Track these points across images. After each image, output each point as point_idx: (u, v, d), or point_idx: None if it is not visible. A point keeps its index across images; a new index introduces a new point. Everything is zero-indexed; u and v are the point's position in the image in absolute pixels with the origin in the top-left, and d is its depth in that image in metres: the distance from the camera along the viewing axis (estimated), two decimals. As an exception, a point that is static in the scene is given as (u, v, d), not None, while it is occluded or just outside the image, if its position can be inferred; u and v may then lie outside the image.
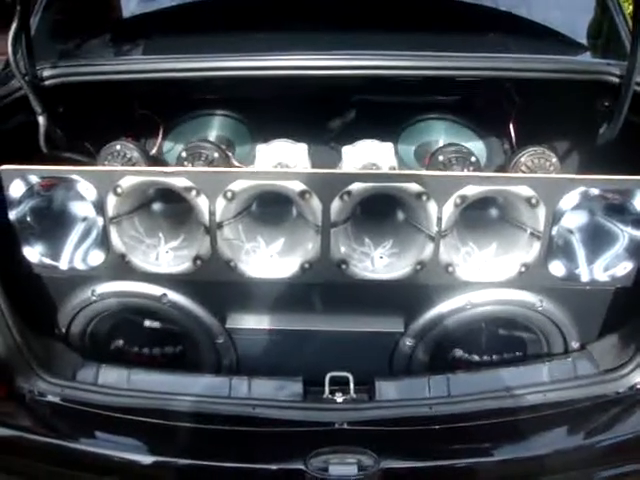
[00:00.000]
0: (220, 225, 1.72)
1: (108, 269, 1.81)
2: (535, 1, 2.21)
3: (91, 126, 2.04)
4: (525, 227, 1.74)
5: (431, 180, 1.67)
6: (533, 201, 1.67)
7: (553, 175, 1.84)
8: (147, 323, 1.98)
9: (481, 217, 1.85)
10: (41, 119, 1.80)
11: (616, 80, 1.80)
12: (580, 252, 1.78)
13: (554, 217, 1.69)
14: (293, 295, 1.84)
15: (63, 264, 1.81)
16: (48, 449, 1.69)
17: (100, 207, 1.72)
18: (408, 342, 1.88)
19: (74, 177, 1.70)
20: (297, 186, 1.67)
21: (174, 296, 1.86)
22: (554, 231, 1.71)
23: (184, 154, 1.95)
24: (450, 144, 2.00)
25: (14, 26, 1.71)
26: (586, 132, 1.93)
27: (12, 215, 1.74)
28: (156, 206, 1.89)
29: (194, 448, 1.68)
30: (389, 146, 1.94)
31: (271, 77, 1.84)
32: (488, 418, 1.69)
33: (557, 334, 1.88)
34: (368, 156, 1.90)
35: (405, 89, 2.10)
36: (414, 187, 1.66)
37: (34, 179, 1.71)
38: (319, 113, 2.11)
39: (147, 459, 1.69)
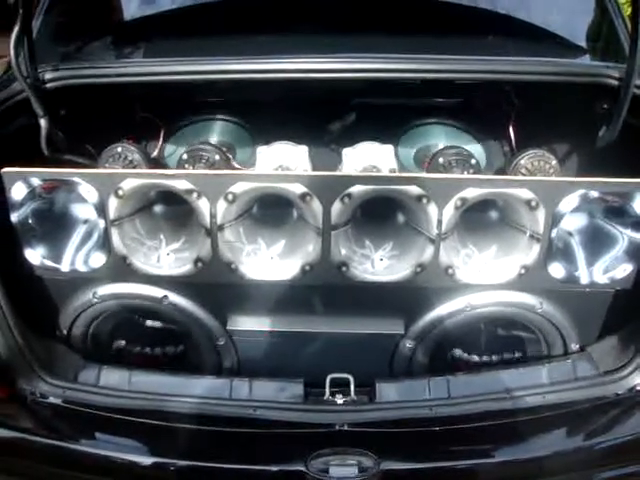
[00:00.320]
0: (221, 227, 1.73)
1: (109, 271, 1.81)
2: (534, 4, 2.21)
3: (92, 129, 2.04)
4: (525, 229, 1.75)
5: (431, 183, 1.68)
6: (533, 203, 1.68)
7: (553, 178, 1.85)
8: (148, 325, 1.98)
9: (481, 219, 1.85)
10: (43, 122, 1.81)
11: (615, 83, 1.80)
12: (580, 254, 1.79)
13: (554, 219, 1.70)
14: (294, 297, 1.84)
15: (65, 266, 1.81)
16: (50, 451, 1.70)
17: (101, 209, 1.73)
18: (408, 344, 1.89)
19: (76, 179, 1.71)
20: (298, 188, 1.68)
21: (175, 298, 1.86)
22: (554, 233, 1.72)
23: (185, 156, 1.96)
24: (450, 147, 2.01)
25: (16, 29, 1.72)
26: (585, 135, 1.94)
27: (14, 217, 1.74)
28: (157, 208, 1.90)
29: (195, 449, 1.68)
30: (389, 148, 1.95)
31: (272, 80, 1.85)
32: (488, 420, 1.70)
33: (557, 336, 1.89)
34: (368, 158, 1.91)
35: (405, 92, 2.11)
36: (414, 190, 1.67)
37: (36, 181, 1.72)
38: (320, 115, 2.12)
39: (148, 460, 1.69)
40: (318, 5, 2.06)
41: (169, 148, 2.18)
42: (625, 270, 1.76)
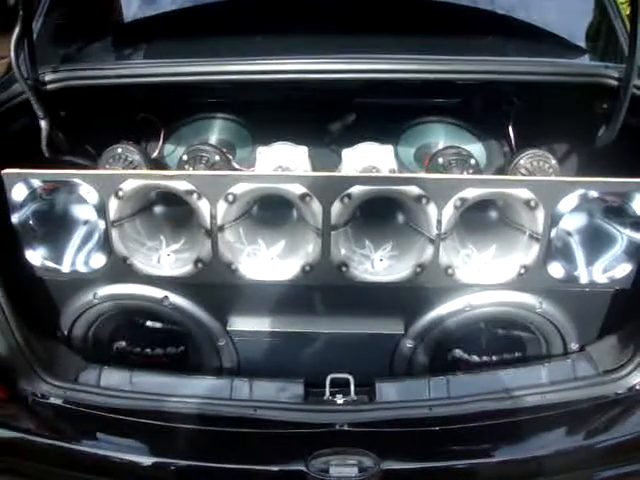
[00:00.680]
0: (221, 228, 1.73)
1: (110, 272, 1.82)
2: (533, 4, 2.21)
3: (93, 130, 2.05)
4: (524, 229, 1.75)
5: (431, 183, 1.69)
6: (532, 203, 1.68)
7: (552, 178, 1.85)
8: (148, 326, 1.99)
9: (480, 219, 1.86)
10: (43, 123, 1.81)
11: (614, 83, 1.80)
12: (579, 254, 1.79)
13: (553, 219, 1.70)
14: (294, 297, 1.85)
15: (65, 267, 1.82)
16: (51, 451, 1.70)
17: (102, 210, 1.74)
18: (408, 344, 1.89)
19: (76, 181, 1.72)
20: (298, 189, 1.68)
21: (175, 299, 1.86)
22: (553, 233, 1.72)
23: (185, 157, 1.96)
24: (450, 147, 2.01)
25: (16, 30, 1.72)
26: (585, 134, 1.94)
27: (14, 219, 1.75)
28: (157, 209, 1.90)
29: (196, 450, 1.69)
30: (389, 149, 1.96)
31: (272, 81, 1.85)
32: (488, 419, 1.70)
33: (556, 335, 1.89)
34: (368, 159, 1.91)
35: (405, 92, 2.11)
36: (414, 190, 1.67)
37: (36, 183, 1.73)
38: (319, 116, 2.12)
39: (149, 460, 1.69)
40: (318, 6, 2.06)
41: (169, 149, 2.19)
42: (624, 270, 1.76)
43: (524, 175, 1.87)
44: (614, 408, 1.74)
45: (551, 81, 1.86)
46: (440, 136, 2.18)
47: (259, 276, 1.79)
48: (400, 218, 1.84)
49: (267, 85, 1.92)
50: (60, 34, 2.11)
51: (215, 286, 1.83)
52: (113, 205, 1.72)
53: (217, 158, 1.96)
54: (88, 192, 1.72)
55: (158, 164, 2.09)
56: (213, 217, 1.71)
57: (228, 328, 1.90)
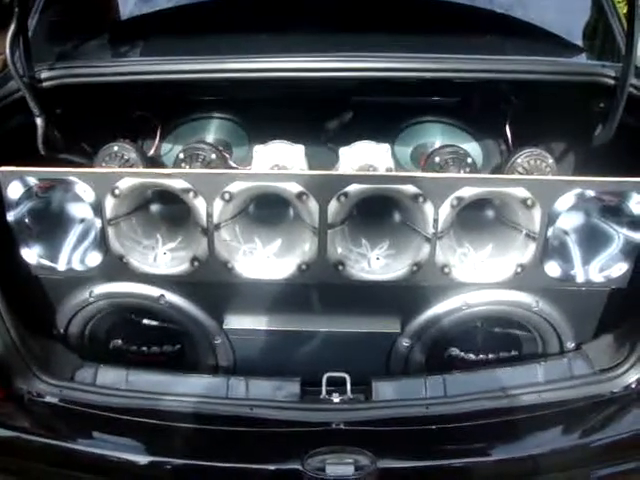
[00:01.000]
0: (217, 226, 1.73)
1: (106, 270, 1.81)
2: (530, 3, 2.21)
3: (89, 127, 2.04)
4: (521, 228, 1.75)
5: (428, 182, 1.68)
6: (529, 202, 1.68)
7: (549, 177, 1.85)
8: (144, 324, 1.98)
9: (477, 218, 1.86)
10: (39, 121, 1.81)
11: (611, 82, 1.80)
12: (575, 253, 1.79)
13: (550, 218, 1.70)
14: (290, 296, 1.85)
15: (61, 265, 1.81)
16: (46, 450, 1.70)
17: (98, 208, 1.73)
18: (405, 342, 1.89)
19: (72, 179, 1.71)
20: (294, 188, 1.68)
21: (172, 297, 1.86)
22: (550, 232, 1.72)
23: (182, 155, 1.95)
24: (446, 145, 2.01)
25: (12, 27, 1.71)
26: (582, 133, 1.94)
27: (10, 217, 1.74)
28: (154, 207, 1.90)
29: (192, 448, 1.69)
30: (386, 147, 1.95)
31: (269, 79, 1.85)
32: (484, 418, 1.70)
33: (553, 334, 1.90)
34: (365, 157, 1.90)
35: (402, 91, 2.11)
36: (411, 189, 1.67)
37: (32, 181, 1.72)
38: (316, 114, 2.11)
39: (145, 459, 1.69)
40: (315, 4, 2.06)
41: (165, 147, 2.18)
42: (621, 269, 1.76)
43: (521, 174, 1.87)
44: (610, 407, 1.74)
45: (548, 80, 1.86)
46: (437, 135, 2.18)
47: (255, 275, 1.79)
48: (397, 217, 1.84)
49: (264, 83, 1.92)
50: (56, 31, 2.10)
51: (211, 284, 1.83)
52: (109, 203, 1.72)
53: (213, 156, 1.95)
54: (84, 190, 1.72)
55: (154, 162, 2.08)
56: (209, 215, 1.71)
57: (224, 327, 1.90)
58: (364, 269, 1.78)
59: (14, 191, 1.72)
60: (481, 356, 2.00)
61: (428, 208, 1.69)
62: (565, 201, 1.69)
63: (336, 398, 1.74)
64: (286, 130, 1.99)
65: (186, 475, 1.69)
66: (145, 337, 2.03)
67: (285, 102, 2.07)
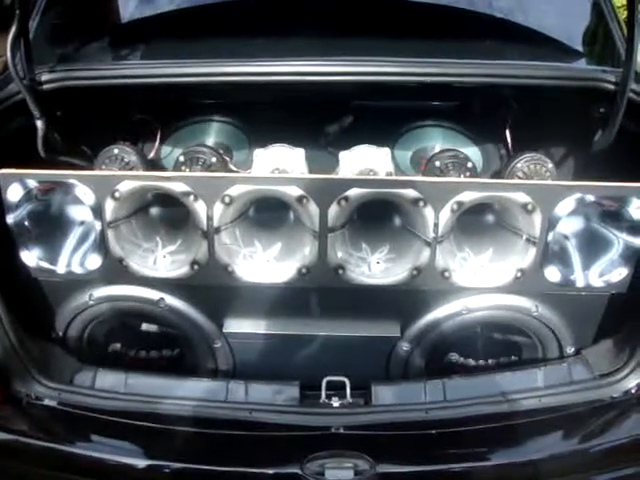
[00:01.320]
0: (218, 230, 1.73)
1: (105, 273, 1.81)
2: (531, 8, 2.22)
3: (89, 130, 2.04)
4: (521, 233, 1.75)
5: (428, 186, 1.69)
6: (529, 207, 1.68)
7: (549, 182, 1.85)
8: (144, 327, 1.98)
9: (477, 223, 1.86)
10: (39, 123, 1.80)
11: (611, 87, 1.81)
12: (575, 258, 1.80)
13: (550, 223, 1.70)
14: (290, 300, 1.84)
15: (61, 268, 1.81)
16: (45, 453, 1.69)
17: (98, 211, 1.73)
18: (404, 347, 1.89)
19: (72, 181, 1.71)
20: (295, 191, 1.68)
21: (171, 300, 1.86)
22: (550, 237, 1.72)
23: (182, 159, 1.95)
24: (447, 150, 2.01)
25: (13, 30, 1.72)
26: (582, 138, 1.95)
27: (10, 219, 1.74)
28: (154, 211, 1.90)
29: (191, 452, 1.68)
30: (386, 151, 1.96)
31: (269, 82, 1.85)
32: (484, 423, 1.70)
33: (552, 339, 1.89)
34: (365, 161, 1.91)
35: (402, 95, 2.11)
36: (411, 193, 1.67)
37: (32, 183, 1.72)
38: (316, 118, 2.12)
39: (144, 463, 1.68)
40: (315, 8, 2.06)
41: (166, 150, 2.18)
42: (620, 274, 1.76)
43: (521, 179, 1.87)
44: (610, 412, 1.74)
45: (548, 85, 1.87)
46: (437, 139, 2.18)
47: (255, 278, 1.79)
48: (397, 221, 1.84)
49: (264, 87, 1.92)
50: (57, 34, 2.10)
51: (211, 288, 1.83)
52: (109, 206, 1.72)
53: (214, 160, 1.95)
54: (84, 193, 1.72)
55: (154, 165, 2.08)
56: (209, 219, 1.71)
57: (224, 330, 1.90)
58: (364, 273, 1.78)
59: (14, 193, 1.72)
60: (481, 360, 2.00)
61: (428, 212, 1.69)
62: (565, 206, 1.69)
63: (336, 402, 1.74)
64: (286, 134, 1.99)
65: (185, 479, 1.68)
66: (144, 341, 2.03)
67: (285, 106, 2.07)
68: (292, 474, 1.60)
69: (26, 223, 1.77)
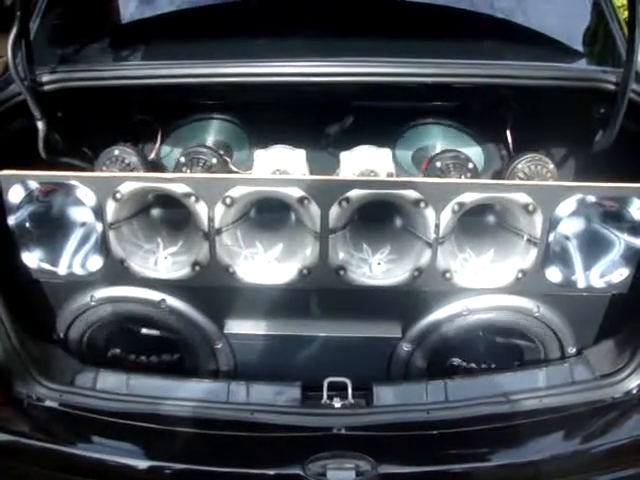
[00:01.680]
0: (219, 231, 1.73)
1: (107, 274, 1.81)
2: (531, 8, 2.21)
3: (90, 131, 2.04)
4: (522, 233, 1.75)
5: (429, 187, 1.69)
6: (530, 208, 1.68)
7: (550, 182, 1.85)
8: (145, 328, 1.98)
9: (478, 224, 1.86)
10: (40, 124, 1.80)
11: (612, 87, 1.81)
12: (577, 259, 1.80)
13: (551, 224, 1.71)
14: (291, 301, 1.85)
15: (62, 269, 1.81)
16: (46, 454, 1.69)
17: (99, 212, 1.73)
18: (406, 347, 1.89)
19: (73, 182, 1.71)
20: (296, 192, 1.68)
21: (173, 301, 1.86)
22: (551, 238, 1.72)
23: (183, 159, 1.96)
24: (447, 150, 2.01)
25: (14, 31, 1.71)
26: (583, 139, 1.94)
27: (11, 220, 1.74)
28: (155, 212, 1.90)
29: (192, 453, 1.68)
30: (387, 152, 1.96)
31: (270, 83, 1.85)
32: (485, 423, 1.70)
33: (554, 340, 1.90)
34: (366, 162, 1.91)
35: (403, 95, 2.11)
36: (412, 194, 1.67)
37: (33, 184, 1.72)
38: (317, 119, 2.11)
39: (145, 464, 1.68)
40: (316, 9, 2.06)
41: (166, 150, 2.18)
42: (622, 274, 1.76)
43: (522, 179, 1.88)
44: (611, 412, 1.74)
45: (549, 85, 1.87)
46: (438, 140, 2.18)
47: (257, 279, 1.79)
48: (398, 222, 1.84)
49: (265, 88, 1.92)
50: (57, 35, 2.10)
51: (212, 289, 1.83)
52: (110, 207, 1.72)
53: (214, 161, 1.95)
54: (85, 194, 1.72)
55: (155, 166, 2.08)
56: (211, 220, 1.71)
57: (225, 331, 1.90)
58: (365, 274, 1.78)
59: (15, 195, 1.72)
60: (482, 361, 2.00)
61: (429, 213, 1.69)
62: (566, 207, 1.69)
63: (337, 403, 1.74)
64: (287, 135, 1.99)
65: (186, 480, 1.68)
66: (145, 341, 2.02)
67: (286, 106, 2.07)
68: (294, 475, 1.60)
69: (27, 224, 1.77)
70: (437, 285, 1.78)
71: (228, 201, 1.69)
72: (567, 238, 1.81)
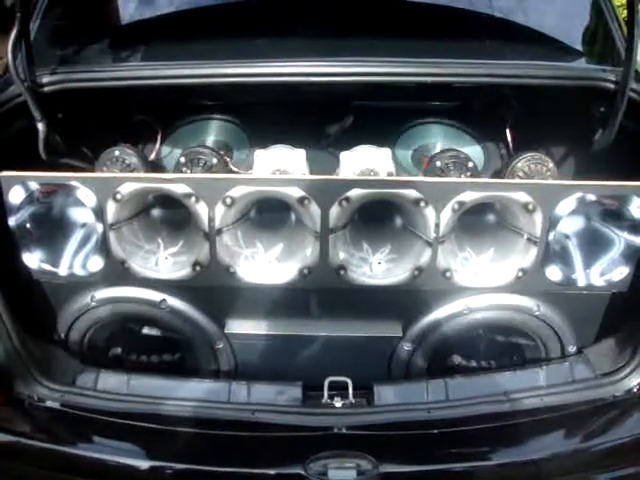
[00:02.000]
0: (219, 231, 1.73)
1: (107, 275, 1.81)
2: (531, 8, 2.22)
3: (90, 132, 2.04)
4: (522, 232, 1.75)
5: (429, 186, 1.69)
6: (530, 207, 1.68)
7: (550, 181, 1.86)
8: (146, 328, 1.98)
9: (478, 222, 1.86)
10: (40, 125, 1.81)
11: (611, 86, 1.81)
12: (577, 257, 1.80)
13: (551, 222, 1.71)
14: (292, 300, 1.85)
15: (62, 270, 1.81)
16: (48, 455, 1.69)
17: (100, 213, 1.73)
18: (406, 347, 1.89)
19: (74, 183, 1.71)
20: (296, 192, 1.68)
21: (173, 302, 1.86)
22: (551, 236, 1.73)
23: (183, 160, 1.96)
24: (447, 149, 2.01)
25: (14, 32, 1.72)
26: (582, 138, 1.95)
27: (12, 221, 1.74)
28: (155, 212, 1.90)
29: (194, 453, 1.68)
30: (387, 151, 1.96)
31: (269, 83, 1.85)
32: (486, 422, 1.70)
33: (554, 338, 1.90)
34: (366, 162, 1.91)
35: (402, 95, 2.11)
36: (412, 193, 1.68)
37: (34, 185, 1.72)
38: (317, 119, 2.12)
39: (146, 464, 1.68)
40: (315, 9, 2.06)
41: (166, 151, 2.18)
42: (622, 273, 1.77)
43: (522, 178, 1.88)
44: (612, 411, 1.74)
45: (548, 84, 1.87)
46: (438, 139, 2.18)
47: (257, 279, 1.79)
48: (398, 221, 1.84)
49: (264, 88, 1.92)
50: (57, 36, 2.10)
51: (213, 289, 1.83)
52: (111, 208, 1.72)
53: (215, 161, 1.96)
54: (86, 195, 1.72)
55: (155, 166, 2.08)
56: (211, 220, 1.71)
57: (226, 331, 1.90)
58: (366, 273, 1.79)
59: (16, 196, 1.72)
60: (482, 360, 2.00)
61: (429, 212, 1.69)
62: (566, 205, 1.70)
63: (338, 402, 1.74)
64: (287, 134, 1.99)
65: (188, 480, 1.68)
66: (146, 342, 2.02)
67: (286, 106, 2.08)
68: (295, 474, 1.60)
69: (28, 225, 1.77)
70: (437, 284, 1.79)
71: (228, 201, 1.69)
72: (567, 237, 1.81)
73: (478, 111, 2.20)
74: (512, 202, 1.70)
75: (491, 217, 1.88)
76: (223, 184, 1.69)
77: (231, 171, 2.02)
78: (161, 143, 2.15)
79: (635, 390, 1.75)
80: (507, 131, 2.10)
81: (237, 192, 1.69)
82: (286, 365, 1.90)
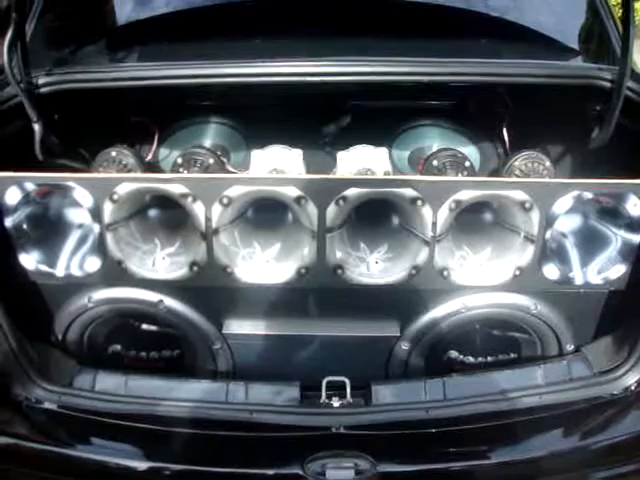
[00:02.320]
0: (216, 231, 1.73)
1: (104, 276, 1.81)
2: (527, 7, 2.22)
3: (86, 133, 2.04)
4: (519, 231, 1.75)
5: (426, 185, 1.69)
6: (527, 205, 1.68)
7: (547, 179, 1.86)
8: (143, 329, 1.98)
9: (475, 221, 1.86)
10: (36, 126, 1.80)
11: (607, 84, 1.81)
12: (574, 255, 1.80)
13: (548, 221, 1.71)
14: (289, 300, 1.84)
15: (59, 271, 1.81)
16: (45, 456, 1.69)
17: (96, 214, 1.73)
18: (404, 346, 1.89)
19: (70, 184, 1.71)
20: (293, 192, 1.68)
21: (170, 302, 1.86)
22: (548, 235, 1.73)
23: (179, 160, 1.96)
24: (444, 149, 2.02)
25: (9, 33, 1.71)
26: (579, 136, 1.95)
27: (8, 222, 1.74)
28: (152, 212, 1.90)
29: (192, 454, 1.68)
30: (384, 151, 1.96)
31: (266, 83, 1.85)
32: (484, 421, 1.70)
33: (552, 337, 1.90)
34: (363, 161, 1.91)
35: (399, 94, 2.12)
36: (409, 192, 1.68)
37: (30, 186, 1.72)
38: (314, 118, 2.12)
39: (145, 465, 1.68)
40: (312, 8, 2.06)
41: (163, 152, 2.18)
42: (619, 271, 1.77)
43: (519, 177, 1.88)
44: (610, 409, 1.74)
45: (544, 83, 1.87)
46: (434, 138, 2.19)
47: (254, 279, 1.79)
48: (395, 220, 1.84)
49: (261, 88, 1.93)
50: (53, 37, 2.11)
51: (210, 289, 1.83)
52: (108, 208, 1.72)
53: (211, 161, 1.96)
54: (82, 196, 1.72)
55: (152, 167, 2.08)
56: (208, 220, 1.71)
57: (223, 331, 1.90)
58: (363, 273, 1.78)
59: (12, 197, 1.71)
60: (480, 359, 2.00)
61: (426, 211, 1.69)
62: (563, 203, 1.70)
63: (336, 402, 1.74)
64: (284, 134, 1.99)
65: (186, 480, 1.68)
66: (144, 343, 2.02)
67: (283, 106, 2.08)
68: (293, 474, 1.60)
69: (24, 226, 1.76)
70: (435, 283, 1.79)
71: (225, 201, 1.69)
72: (564, 235, 1.82)
73: (474, 110, 2.20)
74: (509, 200, 1.70)
75: (488, 216, 1.88)
76: (220, 184, 1.69)
77: (228, 171, 2.01)
78: (158, 144, 2.15)
79: (633, 388, 1.75)
80: (504, 130, 2.10)
81: (234, 192, 1.69)
82: (284, 365, 1.90)
